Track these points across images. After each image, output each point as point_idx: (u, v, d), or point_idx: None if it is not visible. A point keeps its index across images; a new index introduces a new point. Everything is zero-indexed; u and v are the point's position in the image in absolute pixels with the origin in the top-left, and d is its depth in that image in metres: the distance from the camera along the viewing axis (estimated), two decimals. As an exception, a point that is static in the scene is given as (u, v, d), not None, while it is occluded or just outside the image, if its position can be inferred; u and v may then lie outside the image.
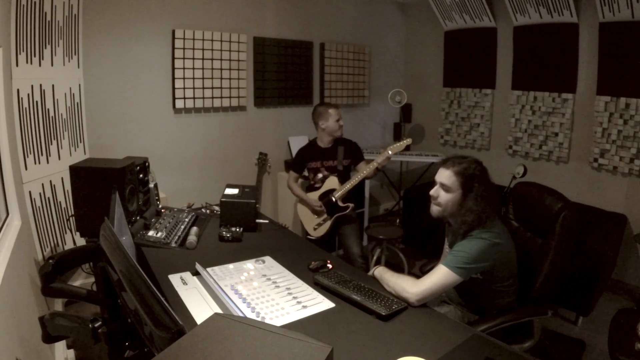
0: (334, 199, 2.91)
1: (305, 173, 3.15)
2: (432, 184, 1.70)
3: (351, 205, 2.92)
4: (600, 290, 2.88)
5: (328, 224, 2.95)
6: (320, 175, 3.01)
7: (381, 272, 1.65)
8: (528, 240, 1.89)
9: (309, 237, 3.05)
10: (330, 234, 3.02)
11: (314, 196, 3.01)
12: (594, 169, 3.49)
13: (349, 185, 2.87)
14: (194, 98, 3.44)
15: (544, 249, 1.76)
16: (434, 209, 1.70)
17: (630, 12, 3.05)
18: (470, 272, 1.55)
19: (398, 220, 4.47)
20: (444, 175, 1.64)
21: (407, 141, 2.78)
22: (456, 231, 1.67)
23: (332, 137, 2.99)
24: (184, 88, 3.39)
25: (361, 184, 4.05)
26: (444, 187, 1.64)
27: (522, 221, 1.96)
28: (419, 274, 2.07)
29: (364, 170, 2.83)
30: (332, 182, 2.96)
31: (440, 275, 1.52)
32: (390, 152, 2.72)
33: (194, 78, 3.42)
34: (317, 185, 3.04)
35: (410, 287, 1.49)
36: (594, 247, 2.78)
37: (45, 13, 2.35)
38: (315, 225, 3.01)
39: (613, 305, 2.92)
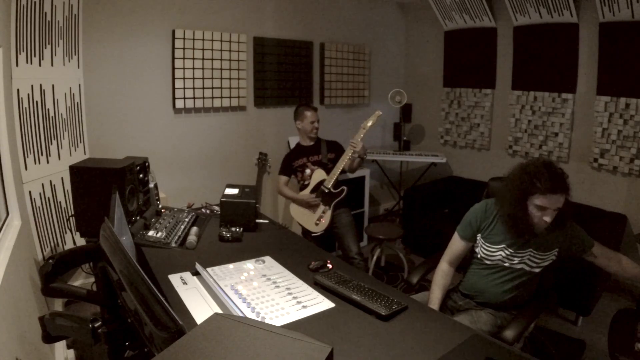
0: (326, 189, 2.93)
1: (295, 179, 3.18)
2: (542, 210, 1.63)
3: (344, 188, 2.95)
4: (600, 290, 2.88)
5: (329, 214, 2.95)
6: (308, 171, 3.06)
7: None
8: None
9: (313, 234, 3.04)
10: (330, 230, 3.02)
11: (306, 192, 3.02)
12: (594, 169, 3.49)
13: (336, 170, 2.92)
14: (194, 98, 3.44)
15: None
16: (544, 226, 1.67)
17: (630, 12, 3.05)
18: None
19: (398, 220, 4.47)
20: (560, 201, 1.61)
21: (377, 113, 2.97)
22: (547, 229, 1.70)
23: (310, 137, 3.11)
24: (184, 88, 3.39)
25: (361, 183, 4.04)
26: (558, 209, 1.63)
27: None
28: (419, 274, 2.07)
29: (348, 154, 2.90)
30: (319, 174, 3.01)
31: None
32: (364, 128, 2.91)
33: (194, 78, 3.42)
34: (306, 183, 3.06)
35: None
36: (594, 247, 2.77)
37: (45, 13, 2.35)
38: (317, 221, 3.00)
39: (613, 305, 2.92)
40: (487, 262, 1.80)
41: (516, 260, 1.74)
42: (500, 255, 1.76)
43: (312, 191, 3.00)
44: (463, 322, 1.54)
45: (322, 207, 2.97)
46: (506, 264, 1.76)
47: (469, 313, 1.79)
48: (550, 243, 1.72)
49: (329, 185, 2.92)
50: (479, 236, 1.84)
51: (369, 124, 2.92)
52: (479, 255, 1.84)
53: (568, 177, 1.64)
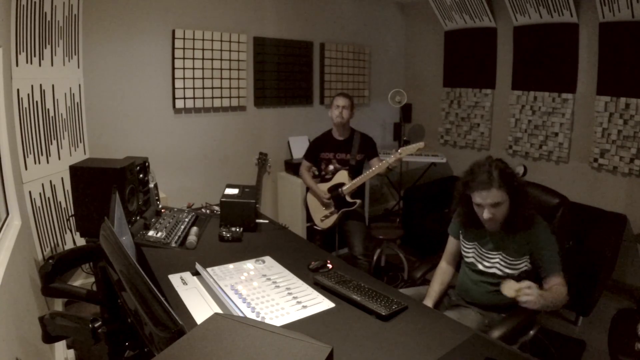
0: (342, 194, 2.91)
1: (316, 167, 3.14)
2: (479, 208, 1.64)
3: (359, 201, 2.93)
4: (600, 290, 2.88)
5: (335, 217, 2.95)
6: (331, 167, 3.02)
7: (539, 294, 1.47)
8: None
9: (315, 227, 3.07)
10: (335, 229, 3.02)
11: (323, 187, 3.01)
12: (594, 169, 3.49)
13: (358, 181, 2.87)
14: (194, 98, 3.45)
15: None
16: (493, 226, 1.67)
17: (630, 12, 3.05)
18: None
19: (398, 220, 4.47)
20: (494, 196, 1.59)
21: (419, 144, 2.74)
22: (512, 228, 1.66)
23: (343, 128, 2.97)
24: (184, 88, 3.39)
25: (363, 183, 4.03)
26: (495, 205, 1.61)
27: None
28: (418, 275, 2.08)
29: (374, 167, 2.83)
30: (341, 175, 2.96)
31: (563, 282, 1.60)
32: (401, 154, 2.69)
33: (194, 78, 3.42)
34: (327, 177, 3.04)
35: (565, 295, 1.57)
36: (594, 247, 2.77)
37: (45, 13, 2.35)
38: (323, 217, 3.02)
39: (613, 305, 2.92)
40: (467, 261, 1.84)
41: (487, 263, 1.74)
42: (473, 253, 1.79)
43: (330, 190, 2.98)
44: (451, 316, 1.55)
45: (332, 208, 2.97)
46: (480, 267, 1.76)
47: (458, 309, 1.82)
48: (520, 250, 1.67)
49: (346, 192, 2.90)
50: (460, 233, 1.89)
51: (405, 152, 2.69)
52: (463, 254, 1.89)
53: (512, 174, 1.62)
